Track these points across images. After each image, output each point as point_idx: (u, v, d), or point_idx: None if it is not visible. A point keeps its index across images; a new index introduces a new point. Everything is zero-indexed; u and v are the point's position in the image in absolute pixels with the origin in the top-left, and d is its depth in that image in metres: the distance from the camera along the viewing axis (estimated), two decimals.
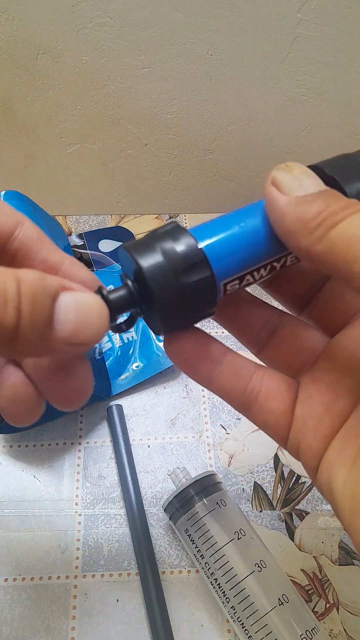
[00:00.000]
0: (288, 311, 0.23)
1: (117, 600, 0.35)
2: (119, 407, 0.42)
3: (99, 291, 0.18)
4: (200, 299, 0.18)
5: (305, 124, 0.48)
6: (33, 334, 0.15)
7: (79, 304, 0.16)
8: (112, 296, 0.18)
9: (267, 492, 0.39)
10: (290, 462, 0.41)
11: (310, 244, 0.17)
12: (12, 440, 0.42)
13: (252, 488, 0.40)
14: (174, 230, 0.18)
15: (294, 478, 0.40)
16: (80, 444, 0.42)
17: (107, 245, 0.53)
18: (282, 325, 0.23)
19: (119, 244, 0.53)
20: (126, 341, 0.46)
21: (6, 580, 0.36)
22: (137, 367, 0.45)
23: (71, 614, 0.34)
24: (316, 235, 0.17)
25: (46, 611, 0.34)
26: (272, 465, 0.41)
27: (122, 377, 0.44)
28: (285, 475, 0.40)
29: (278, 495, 0.39)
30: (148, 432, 0.42)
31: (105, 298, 0.18)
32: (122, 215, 0.57)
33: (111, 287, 0.20)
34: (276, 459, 0.41)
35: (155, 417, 0.43)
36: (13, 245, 0.19)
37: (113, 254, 0.52)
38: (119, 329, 0.20)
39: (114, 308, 0.18)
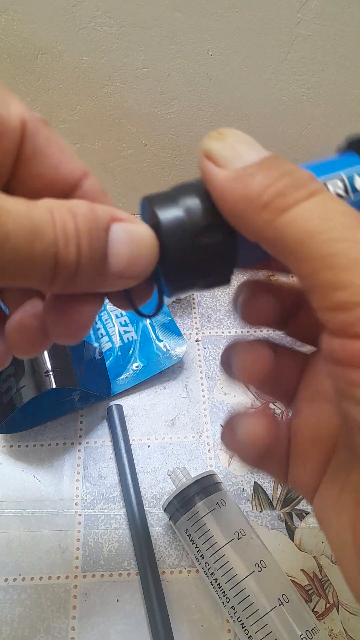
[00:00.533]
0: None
1: (117, 600, 0.35)
2: (119, 407, 0.42)
3: None
4: (213, 227, 0.16)
5: (305, 124, 0.48)
6: (91, 269, 0.15)
7: (131, 236, 0.16)
8: None
9: (267, 492, 0.39)
10: None
11: (258, 227, 0.15)
12: (12, 440, 0.42)
13: (252, 488, 0.40)
14: (199, 185, 0.17)
15: None
16: (80, 444, 0.42)
17: None
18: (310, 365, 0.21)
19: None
20: (126, 341, 0.46)
21: (6, 580, 0.36)
22: (137, 367, 0.45)
23: (71, 614, 0.34)
24: (264, 219, 0.15)
25: (46, 611, 0.34)
26: None
27: (122, 377, 0.44)
28: None
29: (278, 495, 0.39)
30: (148, 432, 0.42)
31: None
32: None
33: None
34: None
35: (155, 417, 0.43)
36: (75, 195, 0.18)
37: None
38: (148, 314, 0.19)
39: None
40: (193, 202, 0.16)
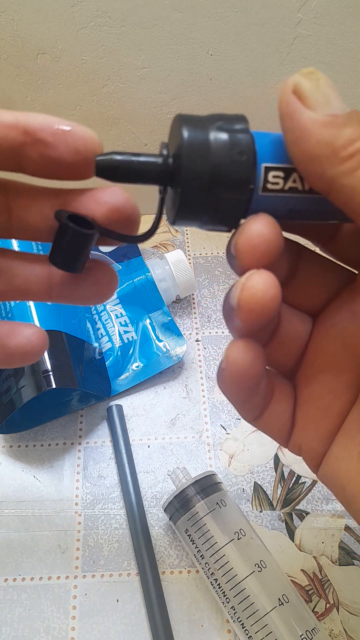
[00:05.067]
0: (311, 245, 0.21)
1: (117, 600, 0.35)
2: (119, 407, 0.42)
3: (123, 154, 0.17)
4: (235, 172, 0.16)
5: None
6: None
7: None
8: (142, 158, 0.17)
9: (267, 492, 0.39)
10: (291, 462, 0.41)
11: (337, 175, 0.15)
12: (12, 440, 0.42)
13: (252, 488, 0.40)
14: (235, 118, 0.17)
15: (294, 478, 0.40)
16: (80, 444, 0.42)
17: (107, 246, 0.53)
18: (301, 264, 0.20)
19: (119, 244, 0.53)
20: (126, 341, 0.46)
21: (6, 580, 0.36)
22: (137, 367, 0.45)
23: (71, 614, 0.34)
24: (347, 167, 0.15)
25: (46, 611, 0.34)
26: (272, 465, 0.41)
27: (122, 377, 0.44)
28: (285, 475, 0.40)
29: (278, 496, 0.39)
30: (148, 432, 0.42)
31: (131, 159, 0.17)
32: None
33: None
34: (276, 459, 0.41)
35: (155, 417, 0.43)
36: None
37: (113, 254, 0.52)
38: (139, 238, 0.19)
39: (140, 171, 0.17)
40: (228, 134, 0.17)
